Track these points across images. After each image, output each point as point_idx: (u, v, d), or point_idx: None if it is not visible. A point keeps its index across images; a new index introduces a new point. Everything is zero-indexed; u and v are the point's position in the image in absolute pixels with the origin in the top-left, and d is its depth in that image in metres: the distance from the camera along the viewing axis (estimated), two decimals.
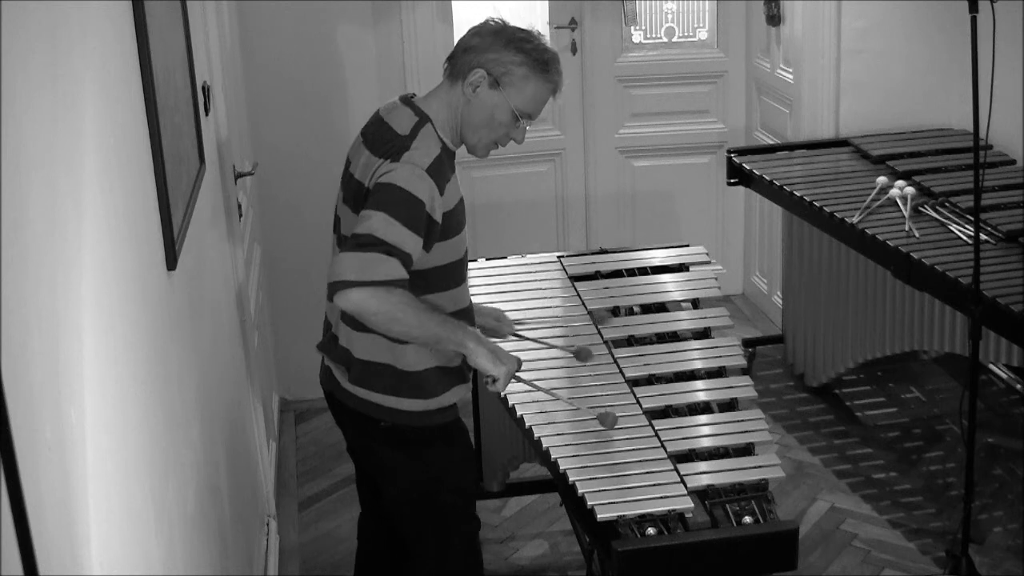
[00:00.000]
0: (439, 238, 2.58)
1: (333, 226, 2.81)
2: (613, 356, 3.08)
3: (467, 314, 2.78)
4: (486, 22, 2.69)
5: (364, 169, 2.61)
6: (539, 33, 2.70)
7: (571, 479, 2.63)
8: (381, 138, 2.63)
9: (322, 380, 2.86)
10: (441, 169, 2.57)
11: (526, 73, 2.60)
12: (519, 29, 2.66)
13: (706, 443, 2.80)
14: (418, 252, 2.51)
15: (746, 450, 2.79)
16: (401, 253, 2.46)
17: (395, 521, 2.92)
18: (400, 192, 2.49)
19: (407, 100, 2.71)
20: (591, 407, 2.82)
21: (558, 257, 3.61)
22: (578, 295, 3.37)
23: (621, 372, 3.02)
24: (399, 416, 2.70)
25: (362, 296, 2.42)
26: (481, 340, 2.61)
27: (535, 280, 3.48)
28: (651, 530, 2.52)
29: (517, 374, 2.66)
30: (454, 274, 2.70)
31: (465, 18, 4.85)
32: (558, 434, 2.79)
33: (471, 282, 3.31)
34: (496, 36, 2.62)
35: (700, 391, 2.99)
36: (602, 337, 3.17)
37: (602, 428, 2.75)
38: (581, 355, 2.97)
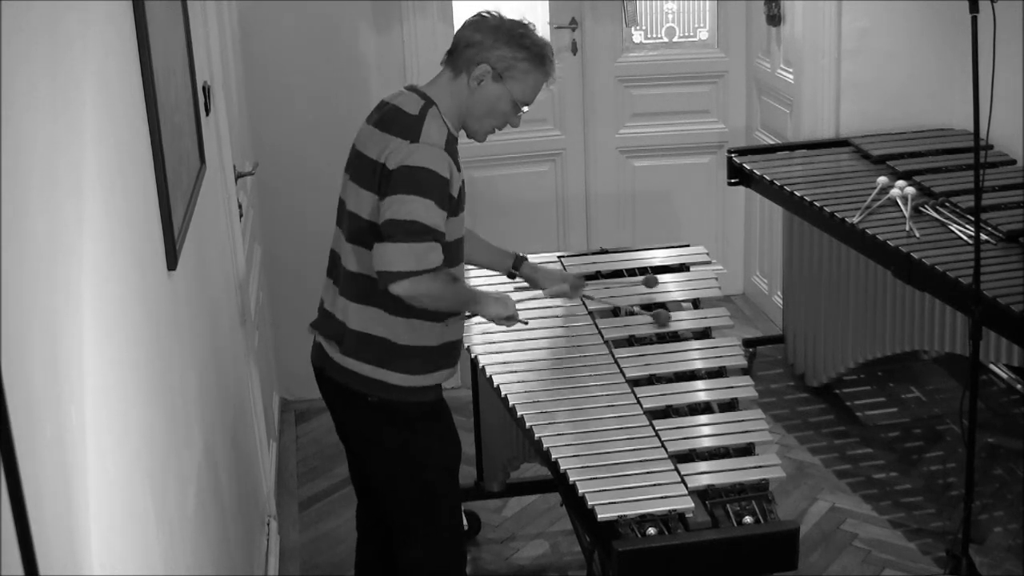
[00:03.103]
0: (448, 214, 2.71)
1: (337, 217, 2.86)
2: (613, 356, 3.08)
3: None
4: (482, 17, 2.80)
5: (379, 148, 2.70)
6: (532, 24, 2.82)
7: (571, 479, 2.63)
8: (392, 118, 2.74)
9: (313, 358, 2.94)
10: (453, 146, 2.73)
11: (527, 67, 2.75)
12: (515, 23, 2.78)
13: (706, 443, 2.80)
14: (444, 227, 2.68)
15: (746, 450, 2.79)
16: (440, 235, 2.65)
17: (382, 502, 2.97)
18: (427, 173, 2.63)
19: (412, 88, 2.84)
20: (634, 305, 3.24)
21: (558, 257, 3.61)
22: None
23: (621, 372, 3.02)
24: (386, 390, 2.78)
25: (416, 284, 2.63)
26: (487, 294, 2.88)
27: None
28: (651, 530, 2.52)
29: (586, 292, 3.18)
30: (455, 253, 2.79)
31: (465, 18, 4.85)
32: (558, 434, 2.79)
33: (472, 282, 3.33)
34: (497, 32, 2.74)
35: (700, 391, 2.99)
36: (602, 337, 3.17)
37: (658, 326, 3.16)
38: (660, 319, 3.20)
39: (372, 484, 3.00)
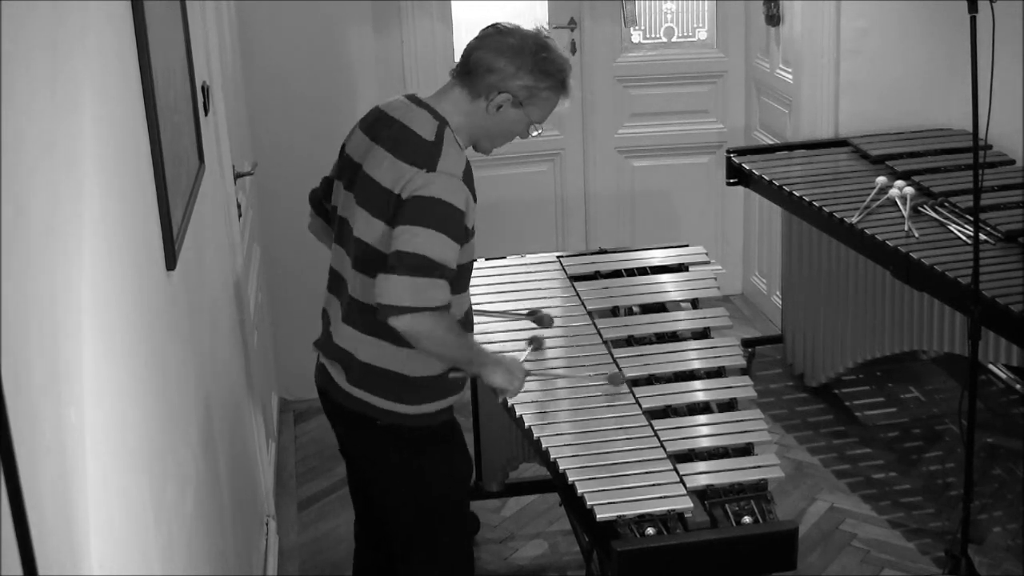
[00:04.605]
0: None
1: (336, 234, 2.76)
2: (613, 356, 3.08)
3: (468, 317, 2.79)
4: (500, 33, 2.66)
5: (393, 176, 2.58)
6: (547, 34, 2.70)
7: (570, 479, 2.63)
8: (403, 141, 2.61)
9: (316, 378, 2.86)
10: (470, 175, 2.62)
11: (550, 95, 2.68)
12: (537, 43, 2.65)
13: (705, 443, 2.80)
14: (456, 262, 2.57)
15: (745, 450, 2.79)
16: (449, 272, 2.53)
17: (386, 523, 2.90)
18: (442, 205, 2.53)
19: (417, 100, 2.70)
20: (598, 374, 2.97)
21: (558, 257, 3.62)
22: (577, 295, 3.37)
23: (621, 372, 3.02)
24: (396, 417, 2.71)
25: (417, 321, 2.51)
26: (497, 360, 2.74)
27: (535, 280, 3.48)
28: (650, 530, 2.52)
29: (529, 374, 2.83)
30: (464, 278, 2.71)
31: (465, 19, 4.86)
32: (558, 434, 2.80)
33: (472, 282, 3.32)
34: (520, 57, 2.62)
35: (699, 391, 2.99)
36: (602, 337, 3.17)
37: (614, 389, 2.90)
38: (614, 380, 2.97)
39: (376, 502, 2.92)
